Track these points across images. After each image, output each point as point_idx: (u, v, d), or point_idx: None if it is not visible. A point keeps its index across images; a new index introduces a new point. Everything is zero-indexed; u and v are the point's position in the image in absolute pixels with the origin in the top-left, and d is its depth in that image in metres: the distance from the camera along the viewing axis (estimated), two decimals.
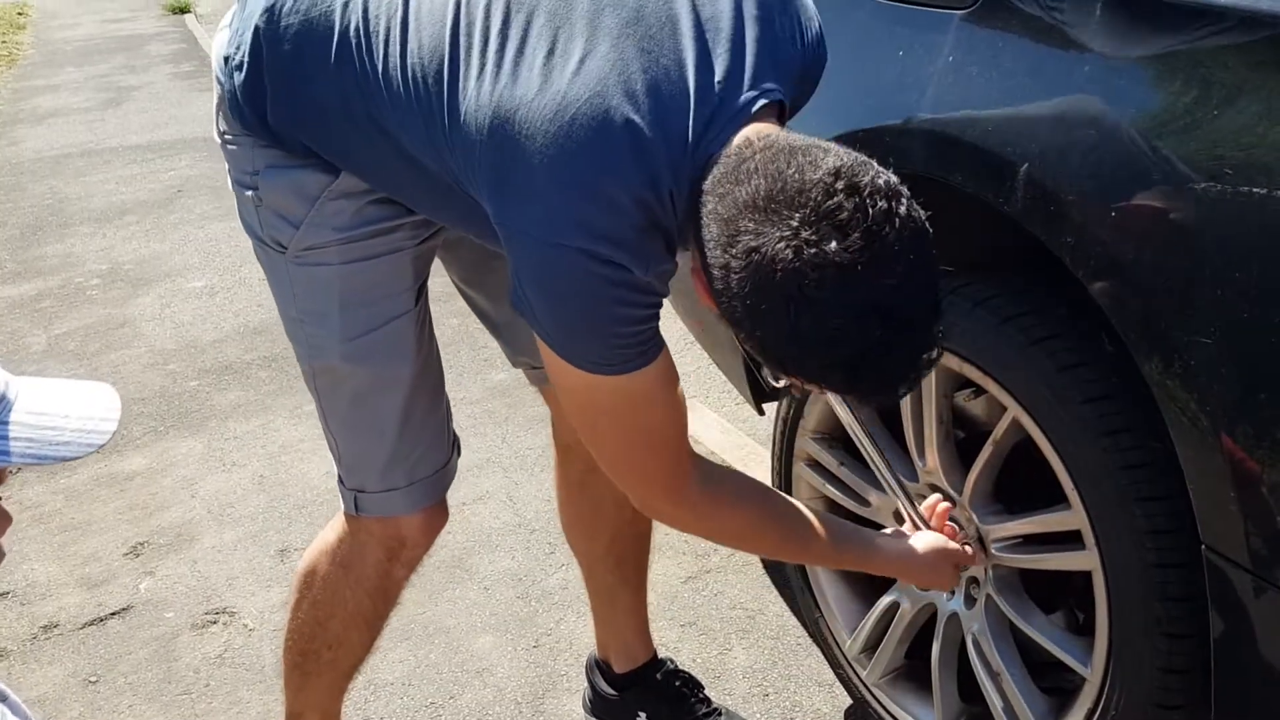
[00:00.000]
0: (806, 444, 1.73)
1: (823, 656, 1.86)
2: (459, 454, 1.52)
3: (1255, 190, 1.05)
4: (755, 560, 2.25)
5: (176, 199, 5.07)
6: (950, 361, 1.44)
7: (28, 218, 4.92)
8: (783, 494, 1.34)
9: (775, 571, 2.19)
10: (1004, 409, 1.40)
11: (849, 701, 1.83)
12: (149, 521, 2.57)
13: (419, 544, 1.48)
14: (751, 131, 1.07)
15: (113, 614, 2.25)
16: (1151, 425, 1.22)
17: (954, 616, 1.57)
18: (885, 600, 1.65)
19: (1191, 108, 1.12)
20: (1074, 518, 1.33)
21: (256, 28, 1.25)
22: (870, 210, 0.95)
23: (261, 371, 3.30)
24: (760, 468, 2.52)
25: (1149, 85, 1.16)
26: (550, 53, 1.09)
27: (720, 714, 1.78)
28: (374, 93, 1.19)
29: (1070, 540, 1.36)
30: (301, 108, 1.27)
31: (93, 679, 2.07)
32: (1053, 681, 1.50)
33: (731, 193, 1.00)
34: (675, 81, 1.07)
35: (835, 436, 1.72)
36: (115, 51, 9.55)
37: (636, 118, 1.05)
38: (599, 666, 1.82)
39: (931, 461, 1.52)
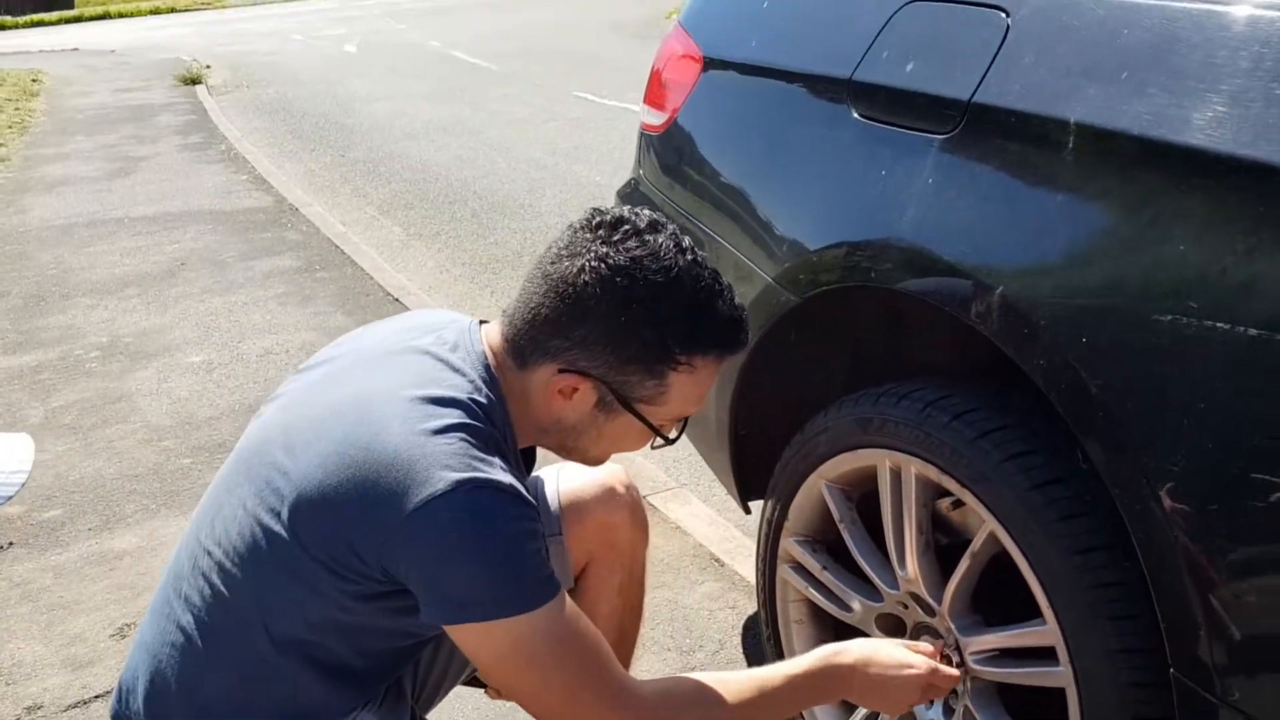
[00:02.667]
0: (790, 546, 1.75)
1: None
2: None
3: (1219, 325, 1.09)
4: (739, 658, 2.25)
5: (179, 271, 5.14)
6: (929, 472, 1.46)
7: (31, 287, 4.98)
8: (720, 674, 1.35)
9: None
10: (982, 521, 1.42)
11: None
12: (137, 602, 2.57)
13: None
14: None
15: (97, 697, 2.24)
16: (1125, 543, 1.24)
17: None
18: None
19: (1158, 242, 1.16)
20: (1049, 633, 1.35)
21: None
22: (631, 215, 1.27)
23: None
24: (746, 561, 2.54)
25: (1118, 218, 1.20)
26: (328, 419, 1.25)
27: None
28: (246, 640, 1.27)
29: (1046, 655, 1.37)
30: (214, 716, 1.30)
31: None
32: None
33: (540, 309, 1.26)
34: (433, 355, 1.30)
35: (819, 539, 1.74)
36: (126, 121, 9.72)
37: (428, 368, 1.27)
38: None
39: (912, 570, 1.54)
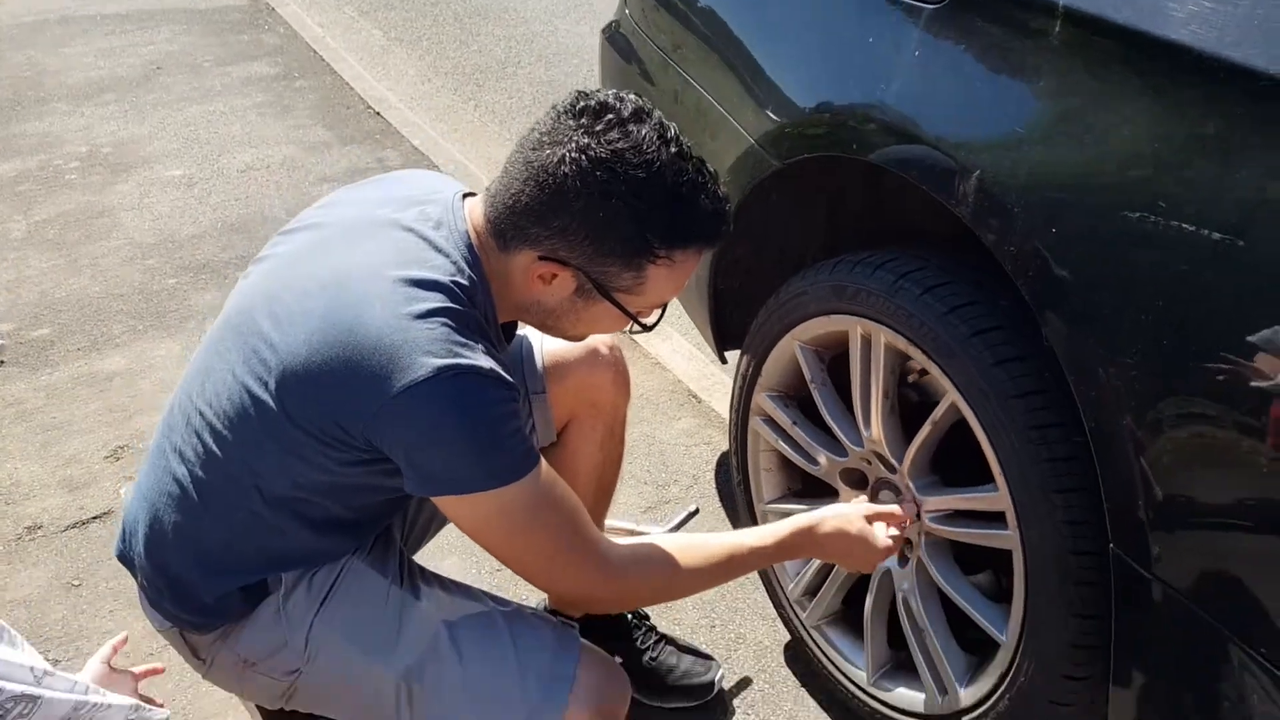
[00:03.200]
0: (763, 400, 1.81)
1: (767, 593, 1.97)
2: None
3: (1184, 226, 1.11)
4: (712, 493, 2.35)
5: (155, 76, 5.00)
6: (898, 342, 1.51)
7: (6, 91, 4.85)
8: (692, 537, 1.43)
9: (728, 506, 2.29)
10: (945, 391, 1.47)
11: (788, 637, 1.95)
12: (129, 424, 2.64)
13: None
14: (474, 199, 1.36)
15: (94, 518, 2.34)
16: (1078, 422, 1.30)
17: (887, 573, 1.68)
18: None
19: (1136, 138, 1.17)
20: (1000, 500, 1.42)
21: (133, 551, 1.43)
22: (615, 102, 1.25)
23: (239, 272, 3.31)
24: (723, 398, 2.61)
25: (1099, 110, 1.20)
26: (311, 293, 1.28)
27: (666, 642, 1.90)
28: (238, 495, 1.33)
29: (996, 519, 1.45)
30: (216, 560, 1.37)
31: (75, 582, 2.17)
32: (975, 637, 1.61)
33: (520, 196, 1.25)
34: (416, 233, 1.31)
35: (790, 395, 1.80)
36: None
37: (410, 245, 1.29)
38: (552, 612, 1.92)
39: (876, 432, 1.61)
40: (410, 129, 4.36)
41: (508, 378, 1.25)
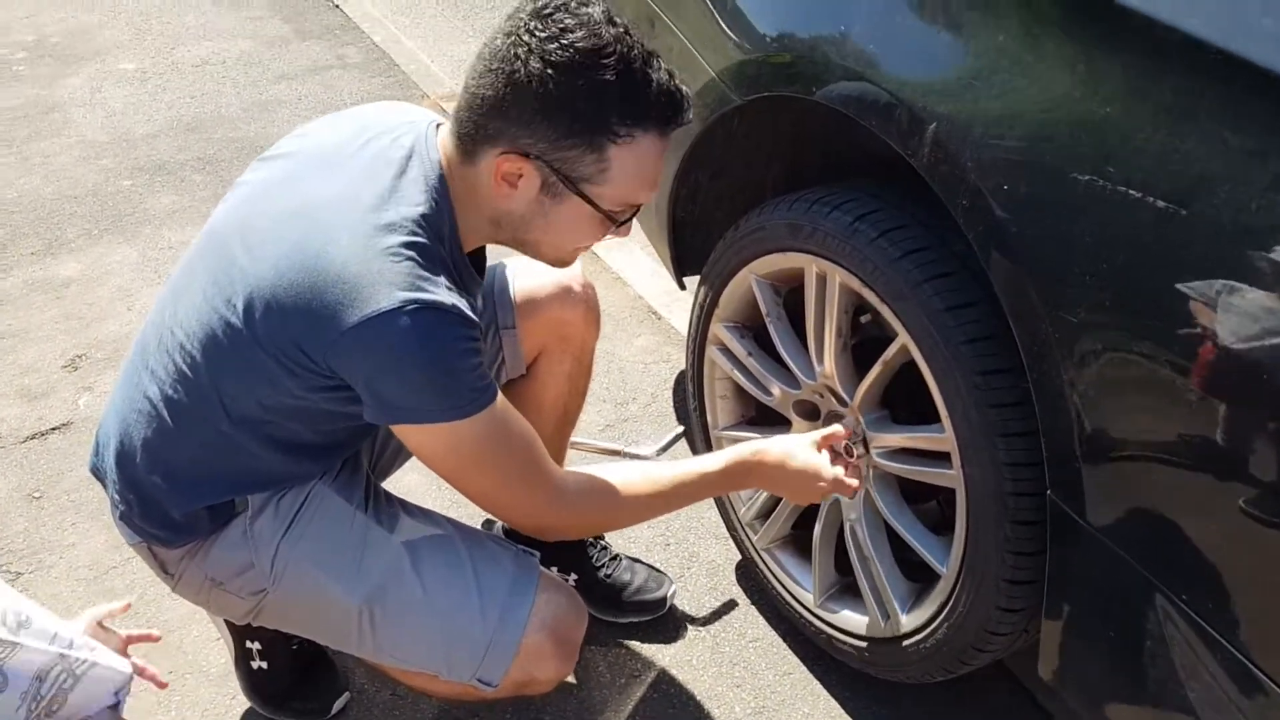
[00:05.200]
0: (719, 330, 1.84)
1: (720, 515, 2.03)
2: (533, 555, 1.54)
3: (1131, 192, 1.13)
4: (669, 412, 2.39)
5: None
6: (852, 282, 1.53)
7: None
8: (643, 466, 1.47)
9: (684, 424, 2.33)
10: (897, 334, 1.50)
11: (740, 557, 2.01)
12: (86, 333, 2.63)
13: (557, 671, 1.50)
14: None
15: (53, 429, 2.34)
16: (1023, 369, 1.33)
17: (836, 503, 1.73)
18: None
19: (1090, 98, 1.18)
20: (945, 440, 1.47)
21: (110, 468, 1.46)
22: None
23: (195, 175, 3.28)
24: (683, 314, 2.63)
25: (1057, 66, 1.21)
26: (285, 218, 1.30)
27: (621, 560, 1.96)
28: (206, 415, 1.36)
29: (941, 458, 1.50)
30: (185, 478, 1.41)
31: (36, 494, 2.18)
32: (915, 561, 1.68)
33: (479, 93, 1.25)
34: (388, 162, 1.32)
35: (746, 326, 1.83)
36: None
37: (376, 180, 1.30)
38: (510, 536, 1.96)
39: (829, 368, 1.64)
40: (371, 24, 4.27)
41: (468, 313, 1.26)
